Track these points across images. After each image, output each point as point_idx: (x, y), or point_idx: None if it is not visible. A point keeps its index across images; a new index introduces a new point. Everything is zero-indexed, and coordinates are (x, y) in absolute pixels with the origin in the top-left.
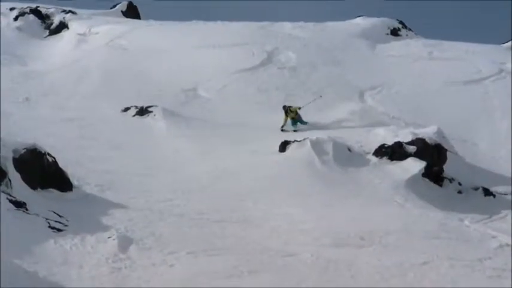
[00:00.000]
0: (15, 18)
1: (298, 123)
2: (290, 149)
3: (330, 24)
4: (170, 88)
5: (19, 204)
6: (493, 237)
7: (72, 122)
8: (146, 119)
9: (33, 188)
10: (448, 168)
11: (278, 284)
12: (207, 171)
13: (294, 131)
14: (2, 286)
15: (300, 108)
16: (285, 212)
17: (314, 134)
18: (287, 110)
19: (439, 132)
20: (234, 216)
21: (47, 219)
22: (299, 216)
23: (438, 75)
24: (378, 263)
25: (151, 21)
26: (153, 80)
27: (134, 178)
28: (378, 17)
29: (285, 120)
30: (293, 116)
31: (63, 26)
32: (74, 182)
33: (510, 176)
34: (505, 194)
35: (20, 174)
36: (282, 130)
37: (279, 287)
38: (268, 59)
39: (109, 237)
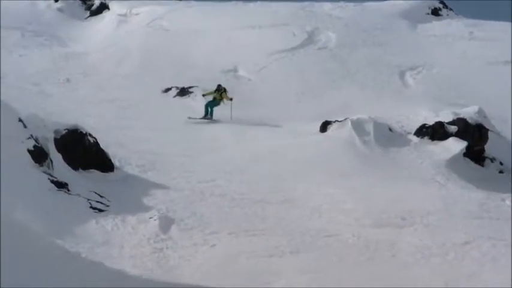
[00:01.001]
0: (56, 0)
1: (214, 107)
2: (331, 129)
3: (370, 4)
4: (210, 69)
5: (61, 185)
6: None
7: (112, 103)
8: (187, 100)
9: (75, 168)
10: (489, 148)
11: (319, 264)
12: (248, 152)
13: (206, 116)
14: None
15: (231, 99)
16: (325, 192)
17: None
18: (222, 90)
19: (480, 111)
20: (275, 196)
21: (88, 199)
22: (340, 196)
23: (479, 55)
24: (419, 243)
25: (192, 2)
26: (193, 60)
27: (175, 159)
28: None
29: (214, 97)
30: (219, 97)
31: (103, 7)
32: (115, 162)
33: None
34: None
35: (61, 155)
36: (203, 95)
37: (320, 267)
38: (309, 40)
39: (150, 218)
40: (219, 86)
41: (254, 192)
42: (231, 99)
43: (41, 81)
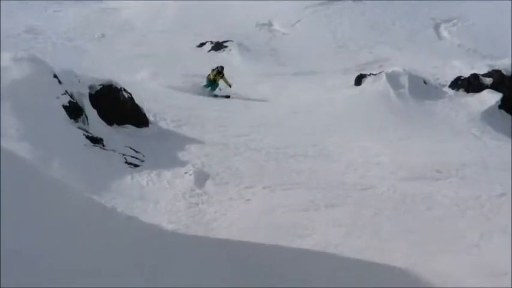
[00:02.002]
0: None
1: (216, 88)
2: (365, 82)
3: None
4: (245, 23)
5: (96, 141)
6: None
7: (147, 58)
8: (221, 54)
9: (110, 124)
10: None
11: (354, 218)
12: (283, 106)
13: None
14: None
15: (230, 85)
16: (360, 145)
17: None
18: (221, 72)
19: None
20: (310, 150)
21: (123, 155)
22: (375, 149)
23: None
24: (455, 195)
25: None
26: (228, 15)
27: (210, 113)
28: None
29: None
30: (217, 78)
31: None
32: (150, 117)
33: None
34: None
35: (96, 110)
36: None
37: (355, 220)
38: None
39: (185, 173)
40: (219, 67)
41: (289, 146)
42: (230, 86)
43: (75, 36)
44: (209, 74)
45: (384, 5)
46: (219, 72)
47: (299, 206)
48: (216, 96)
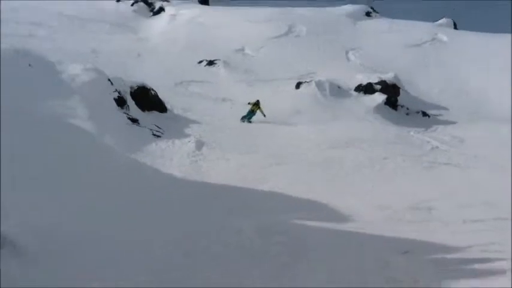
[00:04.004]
0: (132, 5)
1: (253, 116)
2: (302, 87)
3: (327, 9)
4: (227, 49)
5: (134, 120)
6: (428, 142)
7: (168, 69)
8: (213, 68)
9: (143, 110)
10: (400, 99)
11: (294, 173)
12: (247, 101)
13: (249, 122)
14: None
15: (265, 115)
16: (298, 128)
17: (317, 78)
18: (258, 104)
19: (395, 77)
20: (265, 132)
21: (151, 129)
22: (307, 130)
23: (396, 41)
24: (356, 159)
25: (217, 7)
26: (216, 43)
27: (205, 104)
28: (358, 4)
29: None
30: (254, 108)
31: (161, 9)
32: (168, 106)
33: (439, 104)
34: (436, 115)
35: (134, 101)
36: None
37: (295, 174)
38: (288, 31)
39: (189, 141)
40: (257, 101)
41: (253, 128)
42: (264, 115)
43: (121, 55)
44: (251, 106)
45: (314, 38)
46: (256, 104)
47: (259, 164)
48: (250, 122)
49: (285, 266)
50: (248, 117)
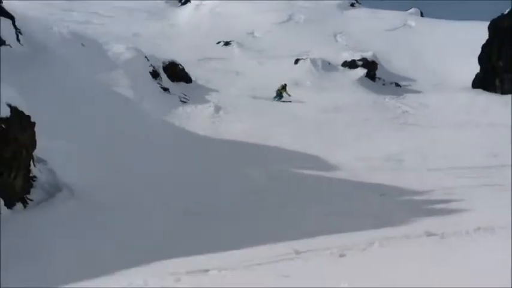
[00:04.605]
0: None
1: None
2: (299, 63)
3: (321, 1)
4: (241, 32)
5: (165, 89)
6: (399, 107)
7: (193, 48)
8: (228, 48)
9: (172, 81)
10: (378, 73)
11: (293, 130)
12: (262, 74)
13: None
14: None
15: (290, 95)
16: (297, 94)
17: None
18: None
19: (374, 55)
20: (269, 93)
21: (179, 96)
22: (304, 97)
23: (375, 26)
24: (345, 118)
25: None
26: (232, 28)
27: (224, 76)
28: None
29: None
30: (282, 91)
31: (187, 1)
32: (193, 78)
33: (409, 76)
34: (406, 86)
35: (166, 74)
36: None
37: (294, 132)
38: (290, 18)
39: (209, 106)
40: (284, 84)
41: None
42: (289, 95)
43: (156, 37)
44: (278, 89)
45: (310, 25)
46: (283, 87)
47: (266, 125)
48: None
49: (288, 200)
50: (278, 97)
